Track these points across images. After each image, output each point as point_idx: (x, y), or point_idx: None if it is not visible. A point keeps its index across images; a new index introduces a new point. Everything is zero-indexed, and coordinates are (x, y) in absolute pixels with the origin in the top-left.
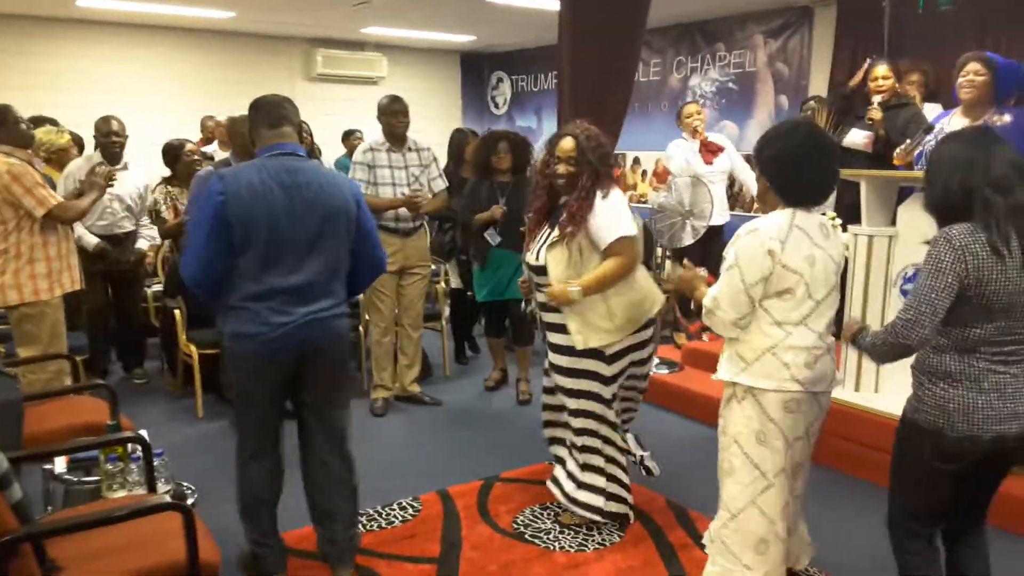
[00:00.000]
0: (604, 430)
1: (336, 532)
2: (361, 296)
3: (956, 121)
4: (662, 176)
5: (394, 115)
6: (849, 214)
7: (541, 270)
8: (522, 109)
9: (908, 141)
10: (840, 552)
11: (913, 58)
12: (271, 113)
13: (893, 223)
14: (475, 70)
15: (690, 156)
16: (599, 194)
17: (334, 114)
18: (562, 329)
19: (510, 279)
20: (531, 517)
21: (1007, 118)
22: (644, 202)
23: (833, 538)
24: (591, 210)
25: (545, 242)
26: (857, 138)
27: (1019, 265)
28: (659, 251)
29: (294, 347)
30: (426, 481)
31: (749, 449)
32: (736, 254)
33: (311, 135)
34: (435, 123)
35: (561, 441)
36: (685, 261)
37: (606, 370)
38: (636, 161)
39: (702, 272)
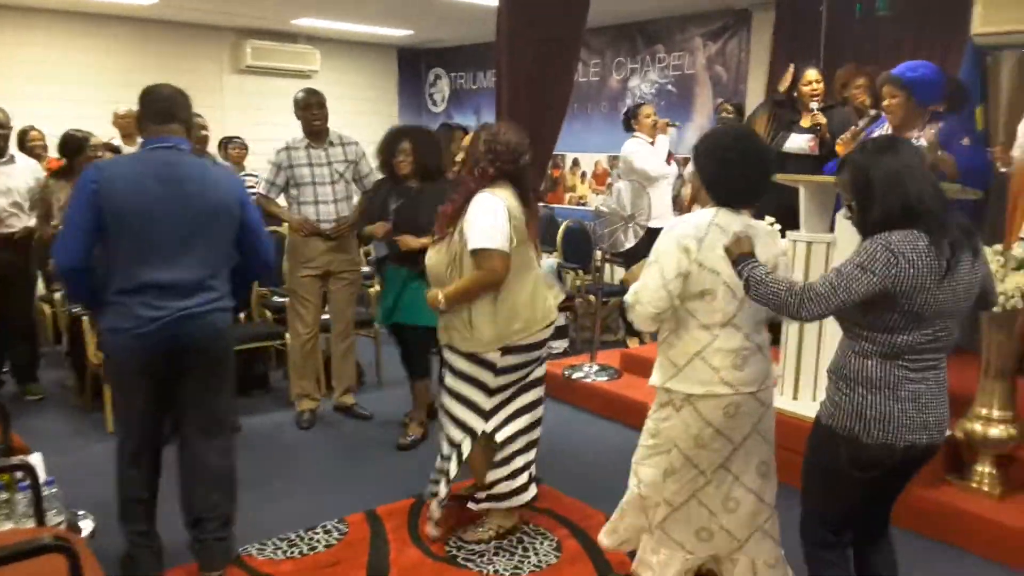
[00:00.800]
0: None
1: (206, 531)
2: (287, 301)
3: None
4: (602, 178)
5: (307, 109)
6: (787, 219)
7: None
8: (461, 107)
9: (853, 128)
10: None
11: (851, 63)
12: (160, 108)
13: (831, 229)
14: (412, 66)
15: (650, 156)
16: (482, 195)
17: (264, 108)
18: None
19: (396, 299)
20: (465, 538)
21: (931, 132)
22: (584, 204)
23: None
24: (466, 211)
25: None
26: (800, 142)
27: (953, 276)
28: (598, 255)
29: (167, 342)
30: (355, 500)
31: (688, 451)
32: (656, 250)
33: (205, 129)
34: (370, 119)
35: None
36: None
37: (489, 378)
38: (576, 163)
39: None
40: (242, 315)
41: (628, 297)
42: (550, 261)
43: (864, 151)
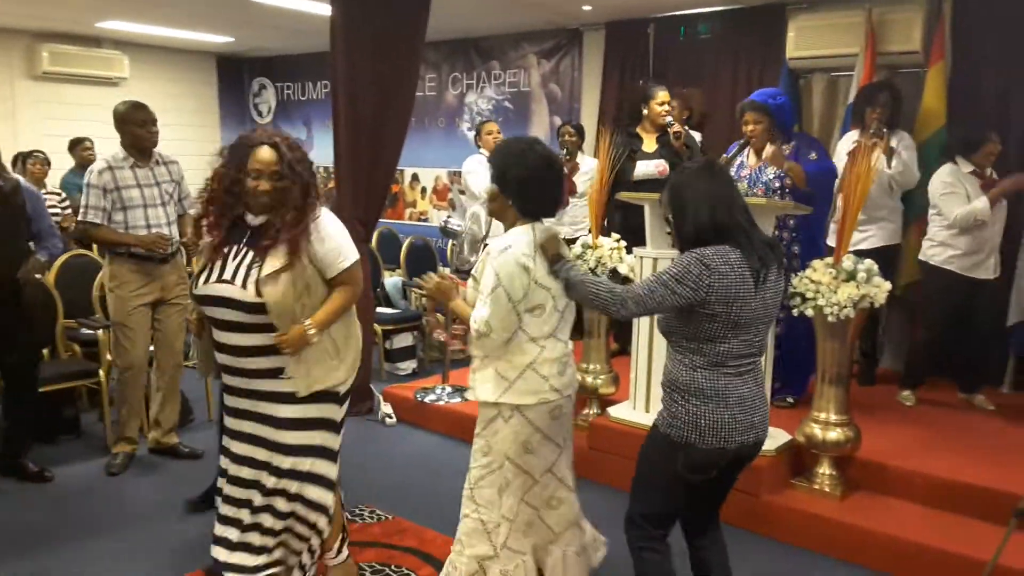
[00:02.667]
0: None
1: None
2: (101, 334)
3: (748, 161)
4: (442, 193)
5: (142, 125)
6: (636, 237)
7: (252, 307)
8: (289, 119)
9: (724, 156)
10: None
11: (677, 85)
12: None
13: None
14: (234, 75)
15: (488, 175)
16: (317, 213)
17: (65, 119)
18: (274, 374)
19: None
20: None
21: (785, 149)
22: (425, 220)
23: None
24: (313, 233)
25: (249, 270)
26: (648, 168)
27: (764, 287)
28: (445, 272)
29: None
30: (184, 559)
31: (520, 460)
32: (497, 274)
33: None
34: (187, 132)
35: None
36: (440, 269)
37: (339, 414)
38: (415, 178)
39: (456, 279)
40: (45, 351)
41: (480, 327)
42: (394, 279)
43: (682, 173)
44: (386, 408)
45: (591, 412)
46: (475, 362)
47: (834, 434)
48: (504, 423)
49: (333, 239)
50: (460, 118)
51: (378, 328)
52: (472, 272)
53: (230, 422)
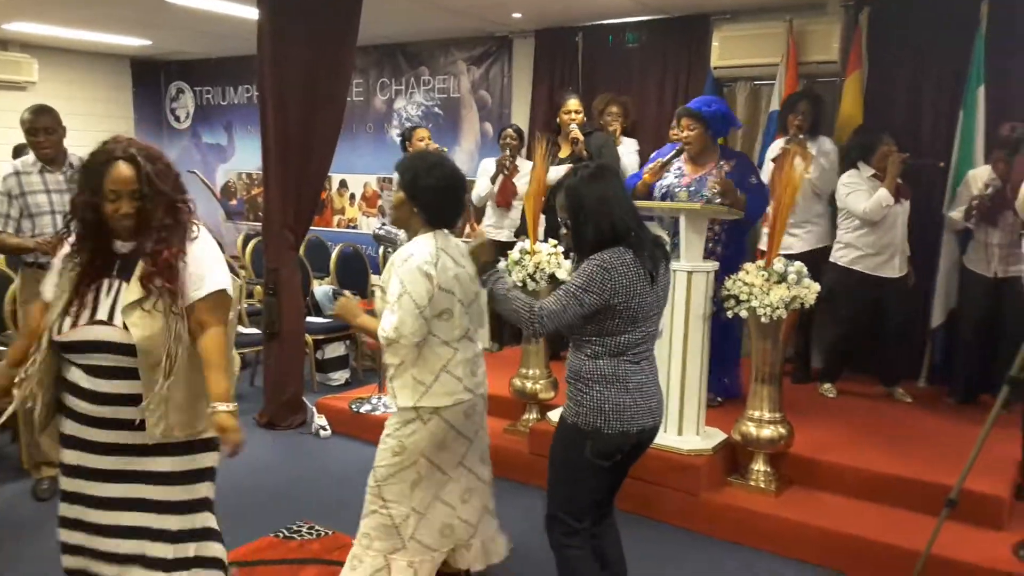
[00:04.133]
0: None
1: None
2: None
3: (686, 168)
4: (372, 200)
5: (33, 134)
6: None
7: (116, 348)
8: (209, 124)
9: (659, 160)
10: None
11: (607, 92)
12: None
13: None
14: (151, 79)
15: None
16: (194, 233)
17: None
18: (135, 425)
19: None
20: None
21: (725, 168)
22: (354, 227)
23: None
24: (183, 255)
25: (115, 302)
26: (556, 174)
27: (657, 282)
28: (376, 279)
29: None
30: None
31: (434, 457)
32: (403, 282)
33: None
34: (99, 137)
35: None
36: (345, 292)
37: (216, 460)
38: (343, 184)
39: (357, 299)
40: None
41: (389, 334)
42: (324, 287)
43: (578, 178)
44: (320, 420)
45: (531, 417)
46: (391, 370)
47: (768, 431)
48: (423, 425)
49: (199, 263)
50: (389, 124)
51: (309, 338)
52: (379, 283)
53: (89, 487)
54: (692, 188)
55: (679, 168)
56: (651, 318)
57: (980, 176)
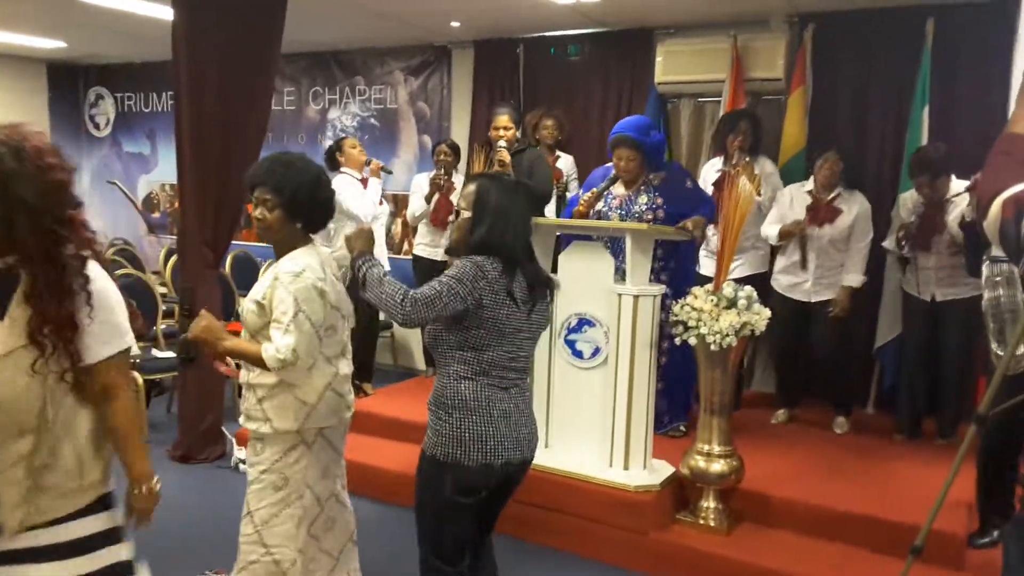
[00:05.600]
0: None
1: None
2: None
3: (617, 189)
4: None
5: None
6: None
7: None
8: (130, 132)
9: (594, 189)
10: None
11: (547, 105)
12: None
13: (554, 270)
14: (68, 84)
15: (361, 197)
16: (84, 269)
17: None
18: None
19: None
20: None
21: (655, 182)
22: None
23: None
24: (75, 303)
25: None
26: None
27: (532, 308)
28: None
29: None
30: None
31: (317, 486)
32: (296, 299)
33: None
34: None
35: None
36: (202, 310)
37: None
38: None
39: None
40: None
41: (287, 355)
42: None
43: (494, 180)
44: (240, 453)
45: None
46: (260, 391)
47: (718, 466)
48: (307, 449)
49: (108, 311)
50: (323, 134)
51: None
52: (255, 298)
53: None
54: (622, 210)
55: (608, 193)
56: (520, 342)
57: (909, 200)
